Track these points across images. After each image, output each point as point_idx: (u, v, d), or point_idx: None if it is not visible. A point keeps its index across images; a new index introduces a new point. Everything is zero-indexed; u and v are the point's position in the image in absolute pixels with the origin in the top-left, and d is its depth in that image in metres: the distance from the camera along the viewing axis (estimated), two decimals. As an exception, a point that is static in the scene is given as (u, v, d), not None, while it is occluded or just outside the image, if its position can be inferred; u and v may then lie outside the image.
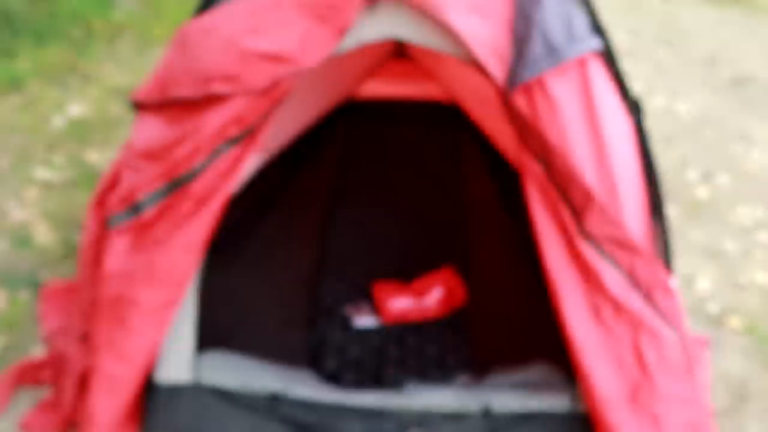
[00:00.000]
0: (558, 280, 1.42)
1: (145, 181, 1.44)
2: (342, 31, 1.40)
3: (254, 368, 1.63)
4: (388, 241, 2.45)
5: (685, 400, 1.40)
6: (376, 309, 2.04)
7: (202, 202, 1.43)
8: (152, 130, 1.52)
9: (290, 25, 1.41)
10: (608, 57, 1.56)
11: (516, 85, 1.40)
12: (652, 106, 4.16)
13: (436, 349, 1.87)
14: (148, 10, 5.29)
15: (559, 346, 1.46)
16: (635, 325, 1.39)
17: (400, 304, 2.05)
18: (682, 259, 2.54)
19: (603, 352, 1.41)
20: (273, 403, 1.55)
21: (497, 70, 1.41)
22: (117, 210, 1.48)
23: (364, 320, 2.00)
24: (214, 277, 1.85)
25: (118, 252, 1.46)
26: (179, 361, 1.57)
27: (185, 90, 1.46)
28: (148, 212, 1.46)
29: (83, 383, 1.58)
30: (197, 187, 1.43)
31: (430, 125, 3.45)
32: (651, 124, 1.60)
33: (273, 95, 1.40)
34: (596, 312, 1.41)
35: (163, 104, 1.51)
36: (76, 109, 3.53)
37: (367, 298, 2.10)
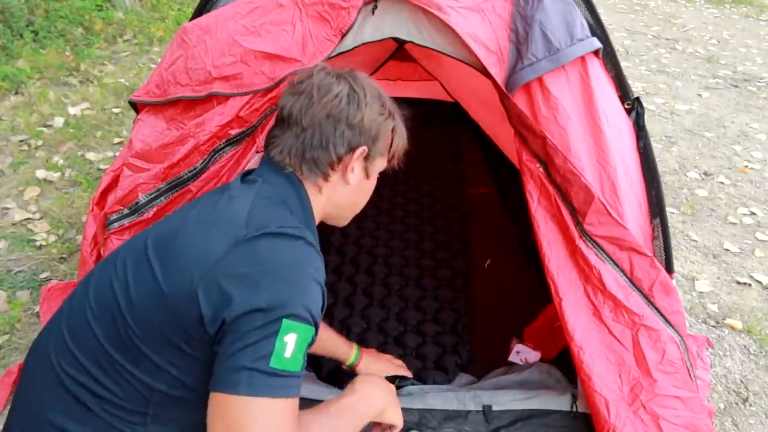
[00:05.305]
0: (558, 280, 1.42)
1: (145, 181, 1.44)
2: (342, 31, 1.41)
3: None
4: (389, 241, 2.45)
5: (685, 400, 1.40)
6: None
7: (202, 202, 1.43)
8: (152, 130, 1.52)
9: (290, 25, 1.41)
10: (608, 57, 1.56)
11: (516, 85, 1.40)
12: (652, 106, 4.17)
13: (436, 350, 1.87)
14: (148, 10, 5.29)
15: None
16: (635, 325, 1.39)
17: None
18: (682, 259, 2.54)
19: (603, 352, 1.41)
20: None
21: (497, 70, 1.42)
22: (117, 210, 1.48)
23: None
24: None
25: (118, 252, 1.45)
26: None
27: (185, 90, 1.46)
28: (148, 212, 1.46)
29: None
30: (197, 186, 1.43)
31: (430, 125, 3.46)
32: (651, 124, 1.60)
33: (273, 95, 1.40)
34: (596, 312, 1.41)
35: (163, 104, 1.51)
36: (76, 109, 3.53)
37: (367, 298, 2.10)
